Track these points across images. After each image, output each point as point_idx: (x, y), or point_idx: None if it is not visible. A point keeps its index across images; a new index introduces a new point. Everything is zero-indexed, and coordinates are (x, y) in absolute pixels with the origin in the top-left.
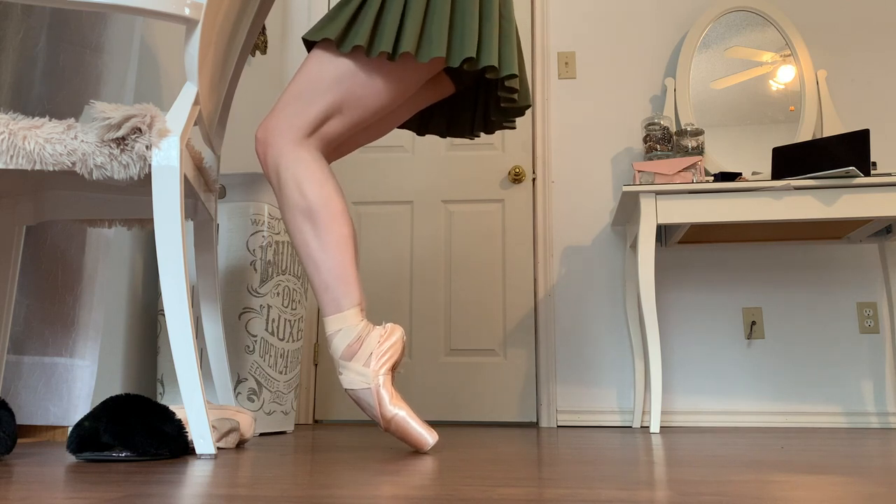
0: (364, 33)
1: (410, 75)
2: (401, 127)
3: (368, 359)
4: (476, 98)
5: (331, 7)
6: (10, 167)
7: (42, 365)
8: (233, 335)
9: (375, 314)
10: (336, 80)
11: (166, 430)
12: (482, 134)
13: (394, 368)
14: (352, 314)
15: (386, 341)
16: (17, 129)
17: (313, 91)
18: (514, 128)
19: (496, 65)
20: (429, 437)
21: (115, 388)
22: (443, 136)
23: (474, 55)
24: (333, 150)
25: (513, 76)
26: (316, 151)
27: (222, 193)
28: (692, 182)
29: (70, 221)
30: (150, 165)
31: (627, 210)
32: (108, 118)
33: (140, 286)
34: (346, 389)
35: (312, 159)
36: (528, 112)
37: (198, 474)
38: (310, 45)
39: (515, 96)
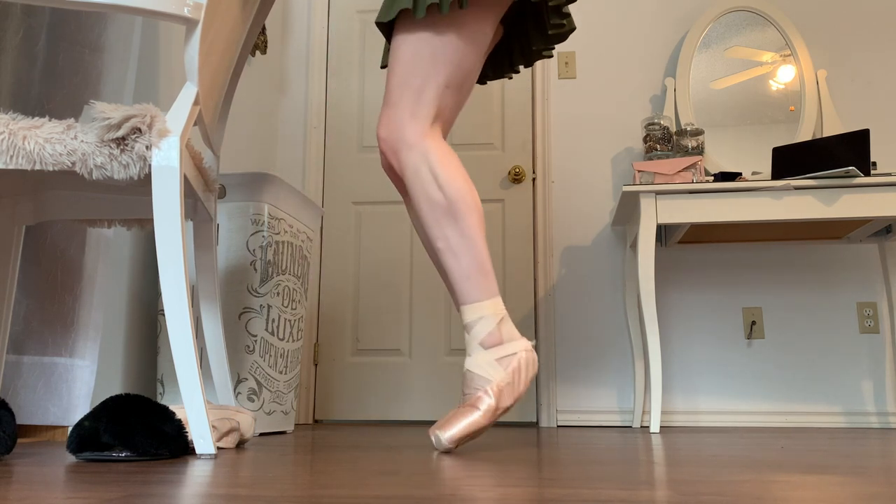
0: None
1: (486, 20)
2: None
3: (510, 366)
4: (510, 34)
5: (331, 7)
6: (10, 167)
7: (42, 365)
8: (233, 335)
9: (376, 314)
10: (432, 54)
11: (166, 430)
12: (521, 69)
13: None
14: (493, 304)
15: (531, 369)
16: (17, 129)
17: (418, 75)
18: (551, 56)
19: None
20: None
21: (115, 388)
22: (485, 82)
23: None
24: (446, 125)
25: None
26: (441, 138)
27: (222, 193)
28: (692, 182)
29: (70, 221)
30: (150, 165)
31: (627, 210)
32: (108, 118)
33: (140, 286)
34: (467, 369)
35: (442, 148)
36: (528, 112)
37: (198, 474)
38: (387, 31)
39: (565, 21)
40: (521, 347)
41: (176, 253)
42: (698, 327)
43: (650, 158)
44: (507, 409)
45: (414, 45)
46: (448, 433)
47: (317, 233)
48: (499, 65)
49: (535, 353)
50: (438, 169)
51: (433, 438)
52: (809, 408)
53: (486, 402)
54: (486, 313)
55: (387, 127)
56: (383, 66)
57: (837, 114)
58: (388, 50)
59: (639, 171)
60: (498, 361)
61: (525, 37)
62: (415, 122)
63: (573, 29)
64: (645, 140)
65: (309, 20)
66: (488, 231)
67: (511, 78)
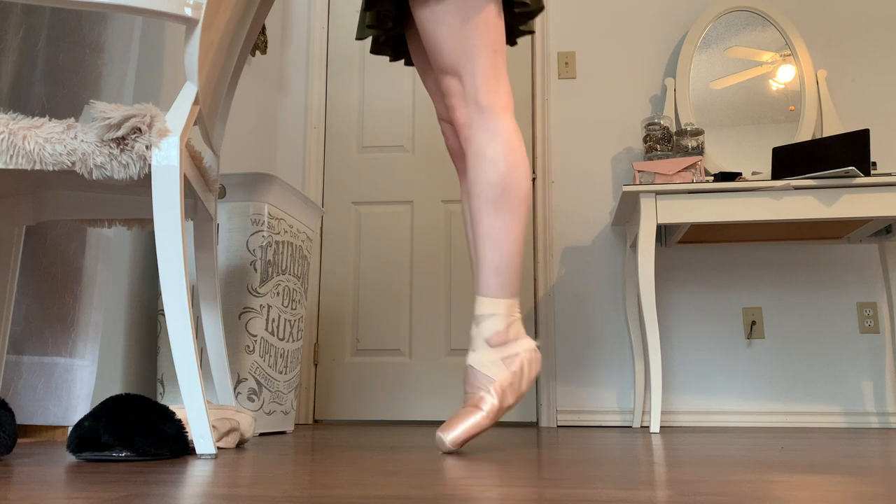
0: None
1: None
2: None
3: (513, 365)
4: None
5: (331, 7)
6: (10, 167)
7: (42, 365)
8: (233, 335)
9: (376, 314)
10: (484, 21)
11: (166, 430)
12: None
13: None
14: (510, 304)
15: (534, 369)
16: (17, 128)
17: (476, 39)
18: (533, 31)
19: None
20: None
21: (115, 388)
22: None
23: None
24: None
25: None
26: (514, 117)
27: (222, 193)
28: (692, 182)
29: (70, 221)
30: (149, 165)
31: (627, 210)
32: (108, 118)
33: (140, 286)
34: (469, 364)
35: (514, 130)
36: (528, 112)
37: (198, 474)
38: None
39: (530, 1)
40: (525, 347)
41: (176, 253)
42: (698, 327)
43: (650, 158)
44: (509, 408)
45: (463, 13)
46: (451, 435)
47: (317, 233)
48: None
49: (538, 353)
50: (504, 153)
51: (437, 439)
52: (809, 408)
53: (489, 402)
54: (501, 312)
55: (462, 99)
56: (359, 38)
57: (837, 114)
58: (369, 20)
59: (639, 171)
60: (502, 360)
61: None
62: (498, 86)
63: (541, 8)
64: (645, 140)
65: (309, 20)
66: None
67: None
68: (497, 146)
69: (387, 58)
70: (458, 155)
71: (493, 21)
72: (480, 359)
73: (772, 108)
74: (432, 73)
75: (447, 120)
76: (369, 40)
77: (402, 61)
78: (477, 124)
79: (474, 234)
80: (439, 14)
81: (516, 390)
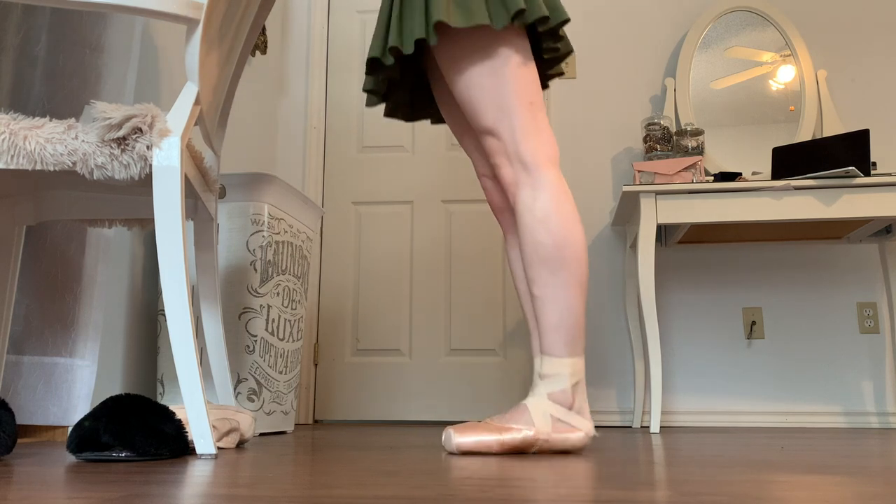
0: (496, 3)
1: (524, 42)
2: None
3: (559, 432)
4: None
5: (331, 7)
6: (11, 167)
7: (42, 365)
8: (233, 335)
9: (375, 314)
10: (514, 74)
11: (166, 430)
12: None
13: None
14: (573, 364)
15: (568, 447)
16: (17, 129)
17: (513, 100)
18: (563, 74)
19: (548, 14)
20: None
21: (115, 388)
22: None
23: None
24: None
25: (565, 21)
26: (560, 172)
27: (222, 193)
28: (692, 182)
29: (70, 221)
30: (150, 165)
31: (627, 210)
32: (109, 118)
33: (140, 286)
34: (524, 403)
35: (561, 186)
36: None
37: (198, 474)
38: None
39: (560, 45)
40: (584, 428)
41: (176, 253)
42: (698, 327)
43: (650, 158)
44: (516, 449)
45: (500, 61)
46: (460, 439)
47: (317, 233)
48: None
49: (586, 441)
50: (552, 209)
51: (445, 434)
52: (809, 408)
53: (511, 437)
54: (565, 371)
55: (505, 157)
56: (373, 104)
57: (837, 114)
58: (379, 85)
59: (639, 171)
60: (554, 421)
61: None
62: (539, 139)
63: (569, 52)
64: (645, 140)
65: (309, 20)
66: (489, 231)
67: None
68: (545, 203)
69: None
70: (501, 210)
71: (522, 71)
72: (539, 405)
73: (772, 108)
74: (470, 132)
75: (488, 176)
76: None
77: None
78: (523, 182)
79: (532, 294)
80: (468, 74)
81: (536, 446)
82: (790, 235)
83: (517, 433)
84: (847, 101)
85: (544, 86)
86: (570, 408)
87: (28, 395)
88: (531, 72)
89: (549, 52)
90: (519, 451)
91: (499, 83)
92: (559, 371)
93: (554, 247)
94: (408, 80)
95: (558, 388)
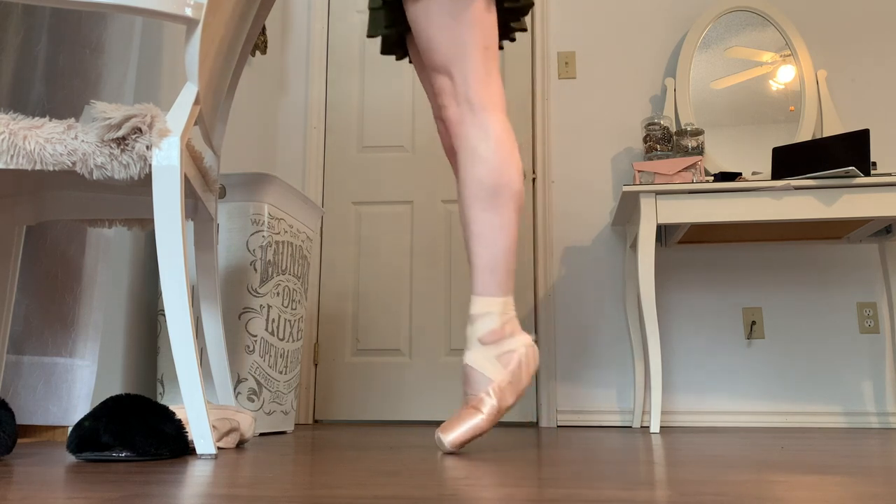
0: None
1: None
2: None
3: (510, 363)
4: None
5: (331, 7)
6: (11, 167)
7: (42, 365)
8: (233, 335)
9: (375, 314)
10: (474, 17)
11: (166, 430)
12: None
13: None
14: (504, 303)
15: (532, 364)
16: (17, 129)
17: (467, 34)
18: (525, 29)
19: None
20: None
21: (115, 388)
22: None
23: None
24: None
25: None
26: (505, 113)
27: (222, 193)
28: (692, 182)
29: (70, 221)
30: (150, 165)
31: (627, 210)
32: (109, 118)
33: (140, 286)
34: (466, 363)
35: (504, 126)
36: (528, 112)
37: (198, 474)
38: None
39: None
40: (522, 343)
41: (176, 253)
42: (698, 327)
43: (650, 158)
44: (509, 408)
45: (450, 7)
46: (451, 436)
47: (317, 233)
48: None
49: (535, 348)
50: (494, 149)
51: (435, 439)
52: (809, 408)
53: (489, 405)
54: (495, 310)
55: (453, 97)
56: (371, 35)
57: (837, 114)
58: (386, 20)
59: (639, 171)
60: (498, 359)
61: None
62: (489, 84)
63: (530, 4)
64: (645, 140)
65: (309, 20)
66: None
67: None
68: (488, 144)
69: (386, 57)
70: (453, 153)
71: (483, 17)
72: (476, 357)
73: (772, 108)
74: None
75: (442, 118)
76: (377, 39)
77: (407, 59)
78: (468, 122)
79: (467, 232)
80: (430, 12)
81: (515, 389)
82: (790, 235)
83: (487, 397)
84: (847, 101)
85: (510, 38)
86: (502, 339)
87: (28, 395)
88: (491, 18)
89: (510, 0)
90: (507, 408)
91: (458, 24)
92: (490, 310)
93: (492, 186)
94: (401, 21)
95: (488, 329)
